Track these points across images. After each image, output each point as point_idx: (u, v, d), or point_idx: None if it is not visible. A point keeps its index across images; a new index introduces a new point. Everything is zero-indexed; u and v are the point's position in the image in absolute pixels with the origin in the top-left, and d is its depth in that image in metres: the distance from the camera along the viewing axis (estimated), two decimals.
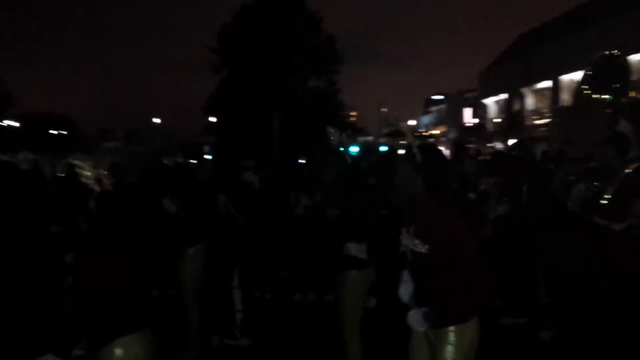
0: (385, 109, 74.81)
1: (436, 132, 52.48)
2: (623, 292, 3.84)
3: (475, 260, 2.50)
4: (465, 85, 47.96)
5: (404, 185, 2.62)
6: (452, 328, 2.56)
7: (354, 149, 20.57)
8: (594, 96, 4.82)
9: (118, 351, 2.57)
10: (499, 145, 33.75)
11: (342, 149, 4.38)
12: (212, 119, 31.50)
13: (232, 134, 27.39)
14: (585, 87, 4.94)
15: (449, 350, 2.56)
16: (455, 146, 8.13)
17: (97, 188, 2.72)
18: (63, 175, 5.34)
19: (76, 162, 2.74)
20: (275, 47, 26.49)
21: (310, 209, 6.43)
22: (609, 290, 3.98)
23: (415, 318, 2.58)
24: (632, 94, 5.08)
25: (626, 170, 3.78)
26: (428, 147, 2.73)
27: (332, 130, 4.09)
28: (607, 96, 4.70)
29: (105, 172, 2.80)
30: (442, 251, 2.51)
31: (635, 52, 27.00)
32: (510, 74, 39.19)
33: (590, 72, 5.01)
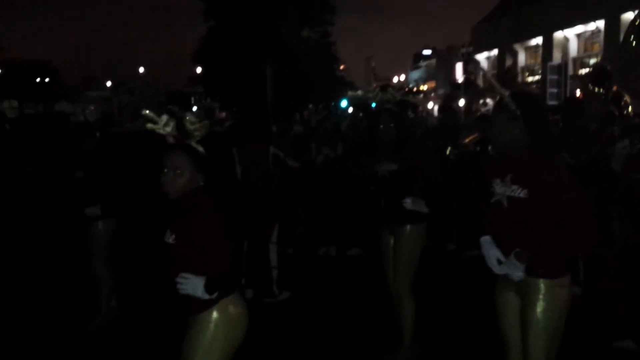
0: (374, 64, 73.90)
1: (425, 87, 52.20)
2: None
3: (577, 211, 2.40)
4: (455, 40, 47.56)
5: (499, 135, 2.58)
6: (544, 281, 2.47)
7: (344, 103, 20.18)
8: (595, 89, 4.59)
9: (215, 314, 2.42)
10: (490, 102, 33.68)
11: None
12: (198, 70, 30.79)
13: (222, 85, 26.92)
14: (632, 36, 4.65)
15: (541, 306, 2.46)
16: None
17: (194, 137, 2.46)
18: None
19: (147, 113, 2.49)
20: None
21: (330, 161, 6.36)
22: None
23: (511, 263, 2.46)
24: None
25: None
26: (525, 95, 2.64)
27: None
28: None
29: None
30: (541, 195, 2.43)
31: (627, 10, 26.87)
32: (502, 29, 38.77)
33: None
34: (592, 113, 5.42)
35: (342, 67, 32.20)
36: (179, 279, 2.36)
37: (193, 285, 2.34)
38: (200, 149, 2.47)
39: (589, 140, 4.83)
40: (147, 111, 2.50)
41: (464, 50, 44.05)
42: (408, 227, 3.75)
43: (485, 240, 2.62)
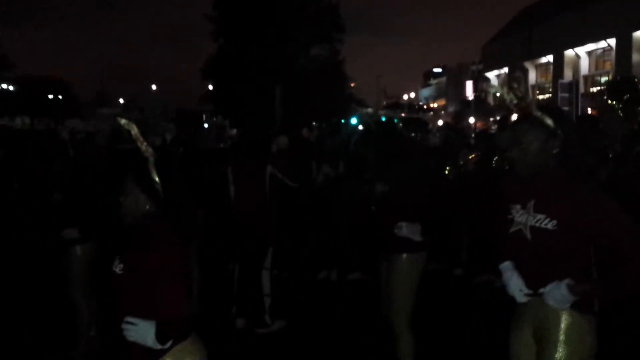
0: (384, 82, 73.98)
1: (435, 105, 52.05)
2: None
3: (618, 244, 2.05)
4: (465, 58, 47.50)
5: (532, 156, 2.21)
6: (567, 317, 2.13)
7: (354, 120, 20.08)
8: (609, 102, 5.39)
9: None
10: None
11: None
12: (210, 87, 30.86)
13: (232, 103, 26.93)
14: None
15: (562, 343, 2.12)
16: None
17: (151, 156, 2.16)
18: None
19: (124, 121, 2.21)
20: (274, 13, 25.78)
21: (331, 180, 6.12)
22: None
23: (555, 293, 2.10)
24: None
25: None
26: (561, 112, 2.31)
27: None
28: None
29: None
30: (576, 227, 2.10)
31: (638, 28, 26.54)
32: (513, 47, 38.61)
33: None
34: (610, 130, 5.22)
35: (352, 85, 32.19)
36: (124, 325, 2.03)
37: (142, 331, 2.00)
38: (150, 169, 2.16)
39: (609, 160, 4.56)
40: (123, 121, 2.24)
41: (474, 68, 43.84)
42: (404, 255, 3.43)
43: (506, 266, 2.31)
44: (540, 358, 2.21)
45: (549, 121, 2.18)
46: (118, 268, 2.15)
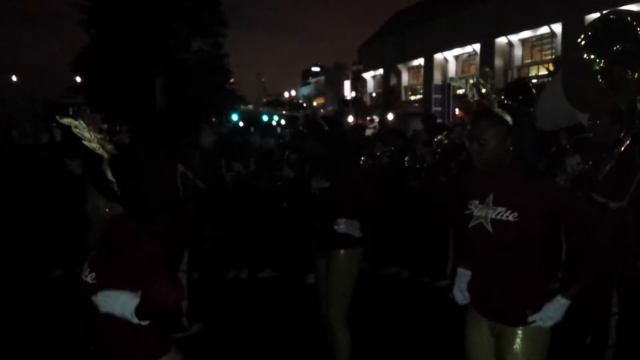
0: (264, 79, 73.74)
1: (314, 103, 53.04)
2: None
3: (582, 226, 2.20)
4: (342, 59, 48.80)
5: (491, 152, 2.27)
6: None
7: (234, 117, 19.83)
8: (584, 56, 3.74)
9: None
10: (376, 119, 34.65)
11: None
12: (78, 79, 28.91)
13: (105, 97, 25.48)
14: (580, 45, 3.83)
15: (524, 346, 2.21)
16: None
17: (105, 154, 1.99)
18: None
19: (67, 120, 1.99)
20: (152, 3, 24.74)
21: (242, 178, 6.01)
22: None
23: (557, 311, 2.18)
24: None
25: (623, 147, 3.52)
26: (519, 111, 2.39)
27: None
28: (599, 60, 3.67)
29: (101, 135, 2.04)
30: (534, 216, 2.20)
31: (501, 34, 28.97)
32: (387, 50, 40.26)
33: (590, 32, 3.82)
34: None
35: (232, 80, 31.73)
36: (98, 297, 1.85)
37: (121, 302, 1.82)
38: (104, 169, 1.99)
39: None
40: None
41: (354, 68, 45.16)
42: (342, 251, 3.43)
43: (461, 273, 2.47)
44: (501, 352, 2.30)
45: (508, 118, 2.26)
46: (89, 277, 1.93)
